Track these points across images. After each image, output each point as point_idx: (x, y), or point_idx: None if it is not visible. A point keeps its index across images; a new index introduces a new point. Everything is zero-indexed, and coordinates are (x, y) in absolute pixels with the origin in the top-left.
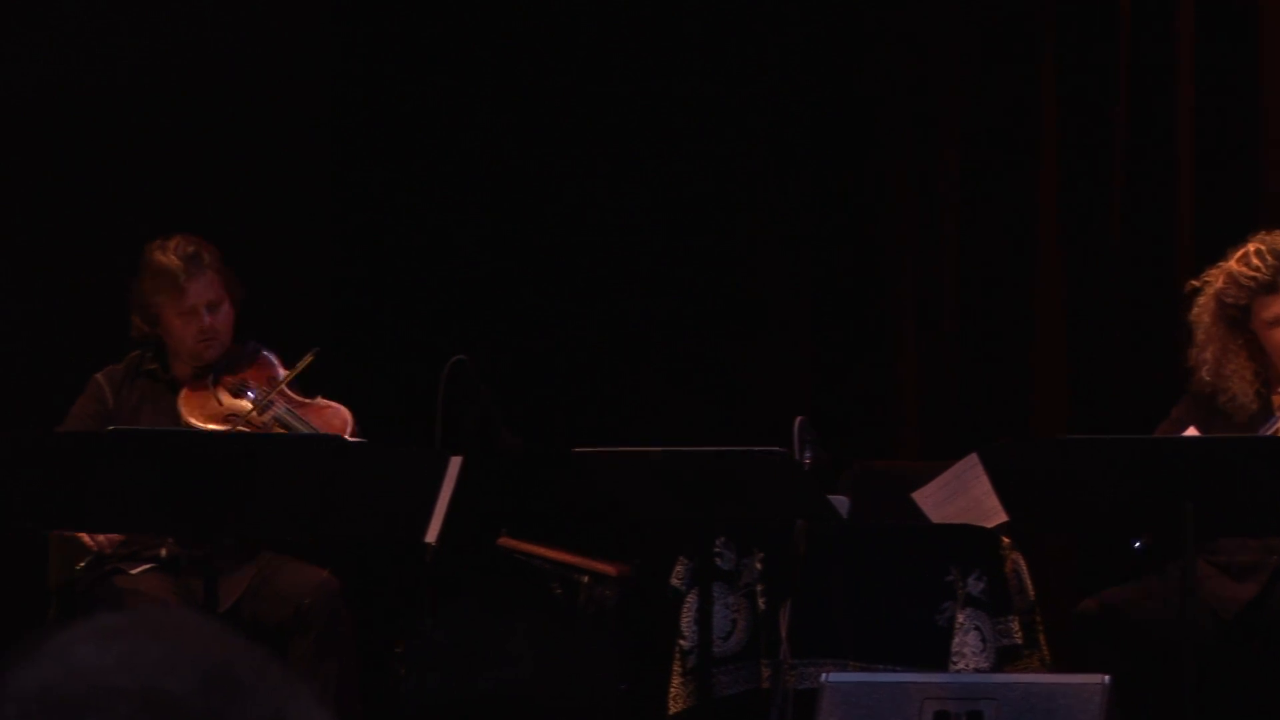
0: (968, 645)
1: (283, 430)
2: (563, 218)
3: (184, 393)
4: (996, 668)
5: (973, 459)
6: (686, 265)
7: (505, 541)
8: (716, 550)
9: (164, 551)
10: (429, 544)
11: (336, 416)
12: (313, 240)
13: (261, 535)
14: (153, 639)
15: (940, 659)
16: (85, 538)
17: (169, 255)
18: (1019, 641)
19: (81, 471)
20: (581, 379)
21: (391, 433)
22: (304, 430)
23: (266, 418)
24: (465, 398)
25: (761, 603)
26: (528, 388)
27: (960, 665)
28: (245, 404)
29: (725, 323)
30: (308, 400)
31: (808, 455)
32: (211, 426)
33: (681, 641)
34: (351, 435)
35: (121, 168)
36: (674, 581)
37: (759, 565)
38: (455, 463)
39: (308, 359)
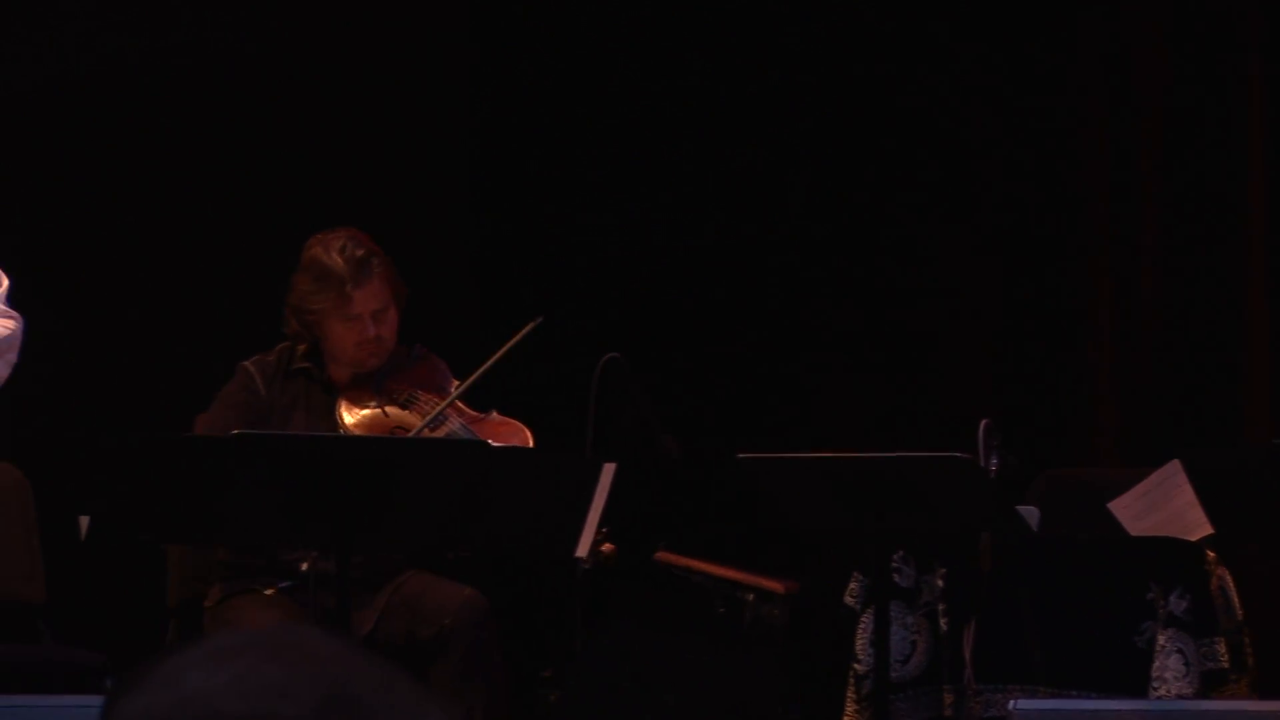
0: (1169, 669)
1: None
2: (725, 209)
3: (343, 399)
4: (1201, 694)
5: (1174, 466)
6: (859, 257)
7: (663, 556)
8: (894, 565)
9: (305, 566)
10: (580, 559)
11: (515, 435)
12: (457, 234)
13: (402, 549)
14: (268, 661)
15: (1139, 684)
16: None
17: (335, 256)
18: (1225, 665)
19: (206, 479)
20: (746, 378)
21: (539, 437)
22: None
23: (439, 434)
24: (619, 399)
25: (943, 623)
26: (687, 388)
27: (1161, 691)
28: (413, 417)
29: (904, 318)
30: (482, 415)
31: (994, 461)
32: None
33: (856, 665)
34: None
35: (260, 160)
36: (847, 600)
37: (940, 582)
38: (608, 470)
39: (529, 326)
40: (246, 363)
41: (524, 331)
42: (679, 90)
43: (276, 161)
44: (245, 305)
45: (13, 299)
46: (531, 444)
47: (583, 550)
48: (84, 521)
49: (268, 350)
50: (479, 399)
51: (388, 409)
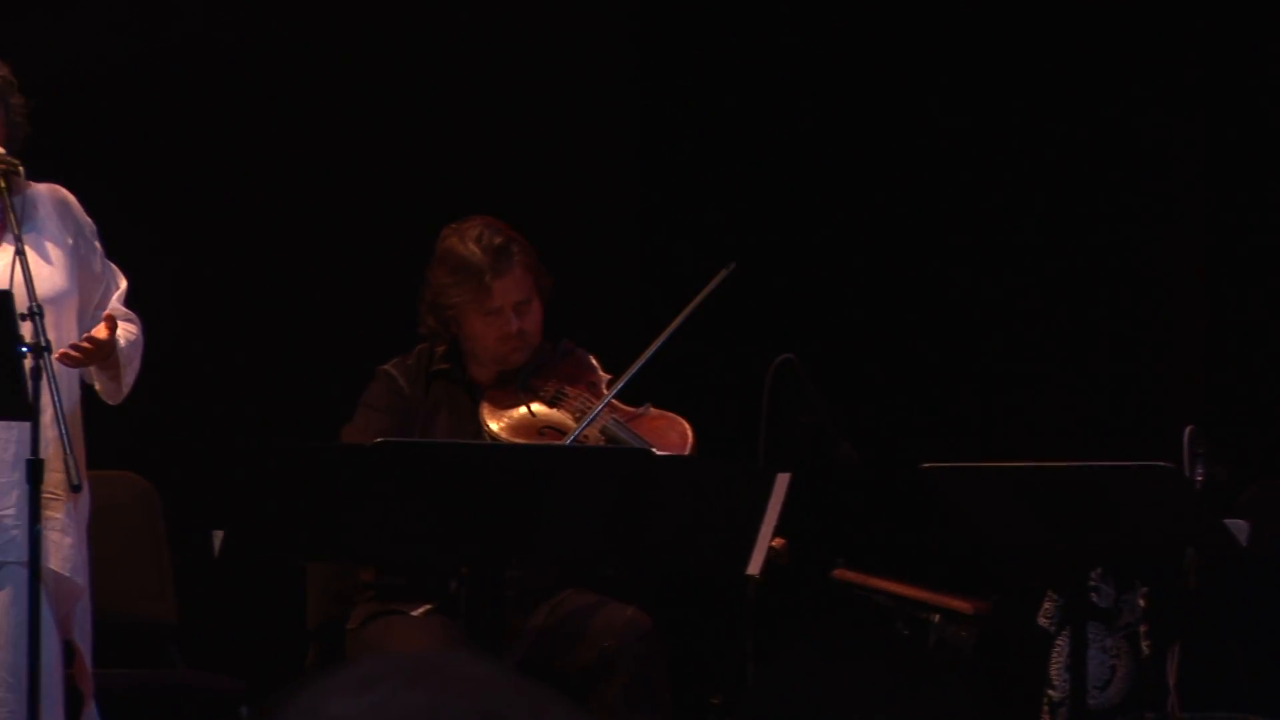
0: None
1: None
2: (908, 205)
3: (487, 401)
4: None
5: None
6: (1054, 256)
7: (842, 573)
8: (1091, 584)
9: (454, 585)
10: (752, 577)
11: (673, 429)
12: (619, 223)
13: (559, 565)
14: (414, 687)
15: None
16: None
17: (471, 246)
18: None
19: (348, 491)
20: (931, 381)
21: (706, 446)
22: (640, 444)
23: (591, 432)
24: (794, 404)
25: (1145, 646)
26: (867, 391)
27: None
28: (563, 415)
29: (1101, 319)
30: (637, 410)
31: (1200, 471)
32: (521, 441)
33: (1050, 692)
34: (691, 452)
35: (405, 152)
36: (1041, 621)
37: (1142, 602)
38: (782, 480)
39: (723, 273)
40: (386, 366)
41: (717, 279)
42: (858, 81)
43: (422, 154)
44: (383, 306)
45: (132, 300)
46: (691, 438)
47: (754, 568)
48: (217, 537)
49: (406, 353)
50: (634, 395)
51: (534, 408)
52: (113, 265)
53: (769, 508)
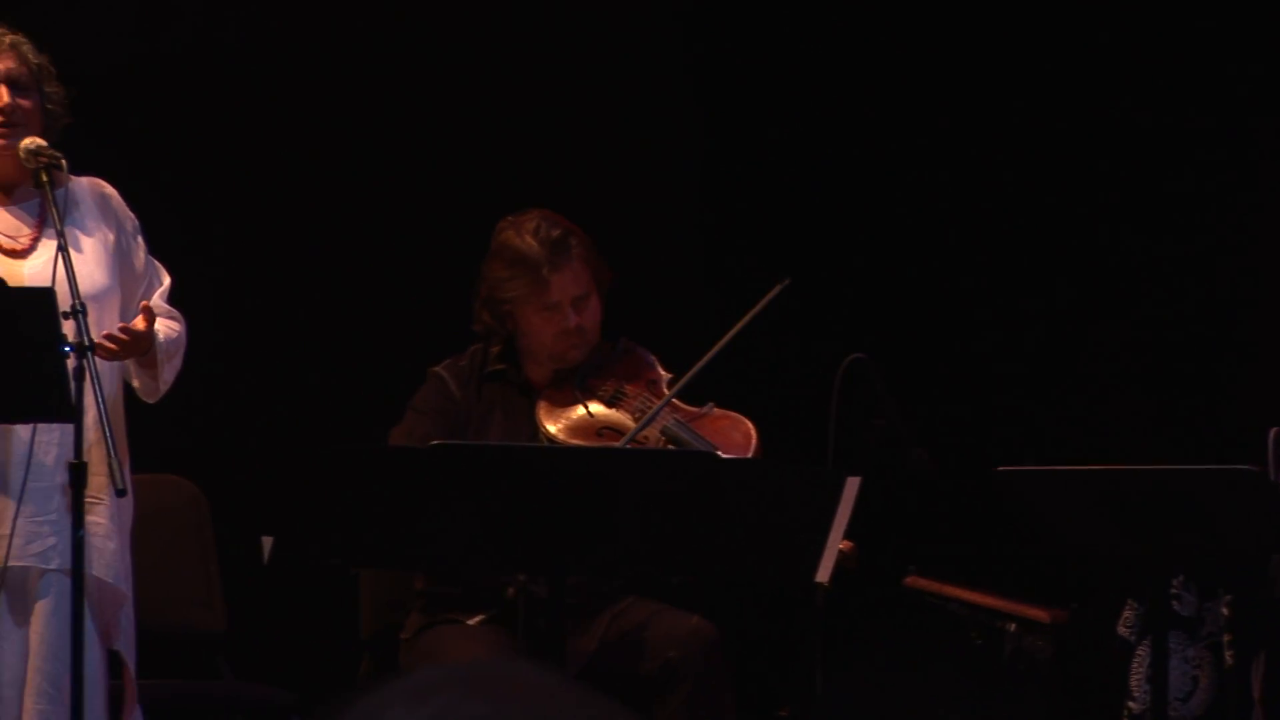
0: None
1: (671, 447)
2: (984, 200)
3: (544, 401)
4: None
5: None
6: (1137, 254)
7: (914, 581)
8: (1173, 592)
9: (511, 592)
10: (821, 585)
11: (737, 429)
12: (680, 217)
13: (621, 573)
14: (471, 698)
15: None
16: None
17: (528, 239)
18: None
19: (402, 495)
20: (1006, 381)
21: (775, 447)
22: (699, 446)
23: (651, 433)
24: (865, 405)
25: (1229, 656)
26: (941, 392)
27: None
28: (622, 415)
29: (1184, 319)
30: (699, 409)
31: None
32: (578, 443)
33: (1130, 704)
34: (755, 453)
35: (462, 147)
36: (1121, 630)
37: (1226, 610)
38: (853, 485)
39: (776, 289)
40: (438, 368)
41: (770, 295)
42: (928, 78)
43: (477, 148)
44: (437, 304)
45: (177, 299)
46: (755, 439)
47: (823, 575)
48: (267, 543)
49: (459, 354)
50: (698, 395)
51: (592, 408)
52: (156, 262)
53: (838, 513)
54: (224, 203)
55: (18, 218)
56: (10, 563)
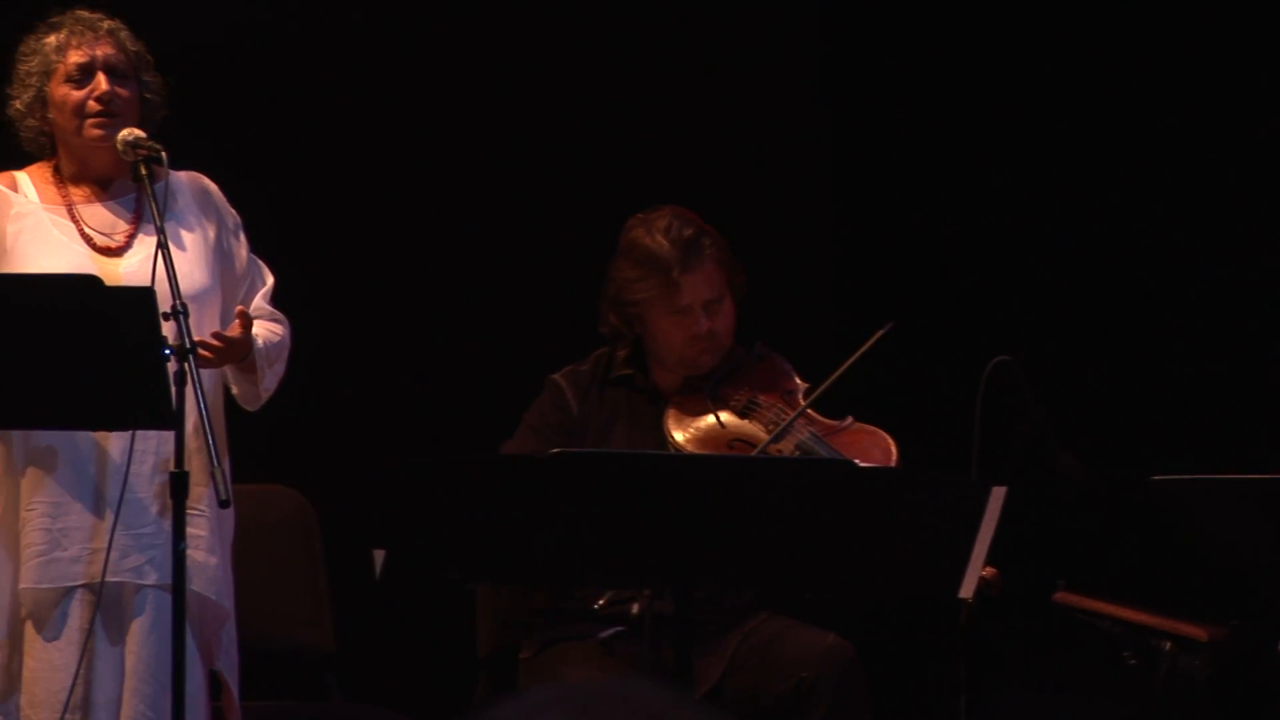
0: None
1: None
2: (1137, 195)
3: (672, 409)
4: None
5: None
6: None
7: (1063, 597)
8: None
9: (636, 609)
10: (964, 601)
11: (876, 445)
12: (813, 214)
13: (752, 588)
14: (581, 717)
15: None
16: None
17: (659, 238)
18: None
19: (520, 507)
20: (1162, 385)
21: (913, 454)
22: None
23: (786, 446)
24: (1011, 410)
25: None
26: (1090, 396)
27: None
28: (755, 427)
29: None
30: (838, 424)
31: None
32: (708, 454)
33: None
34: (895, 462)
35: (588, 146)
36: None
37: None
38: (998, 494)
39: (877, 335)
40: (556, 376)
41: (874, 338)
42: (1075, 70)
43: (602, 142)
44: (559, 306)
45: (281, 300)
46: (896, 456)
47: (967, 590)
48: (379, 556)
49: (581, 359)
50: (834, 406)
51: (724, 418)
52: (259, 261)
53: (983, 524)
54: (330, 196)
55: (114, 213)
56: (106, 578)
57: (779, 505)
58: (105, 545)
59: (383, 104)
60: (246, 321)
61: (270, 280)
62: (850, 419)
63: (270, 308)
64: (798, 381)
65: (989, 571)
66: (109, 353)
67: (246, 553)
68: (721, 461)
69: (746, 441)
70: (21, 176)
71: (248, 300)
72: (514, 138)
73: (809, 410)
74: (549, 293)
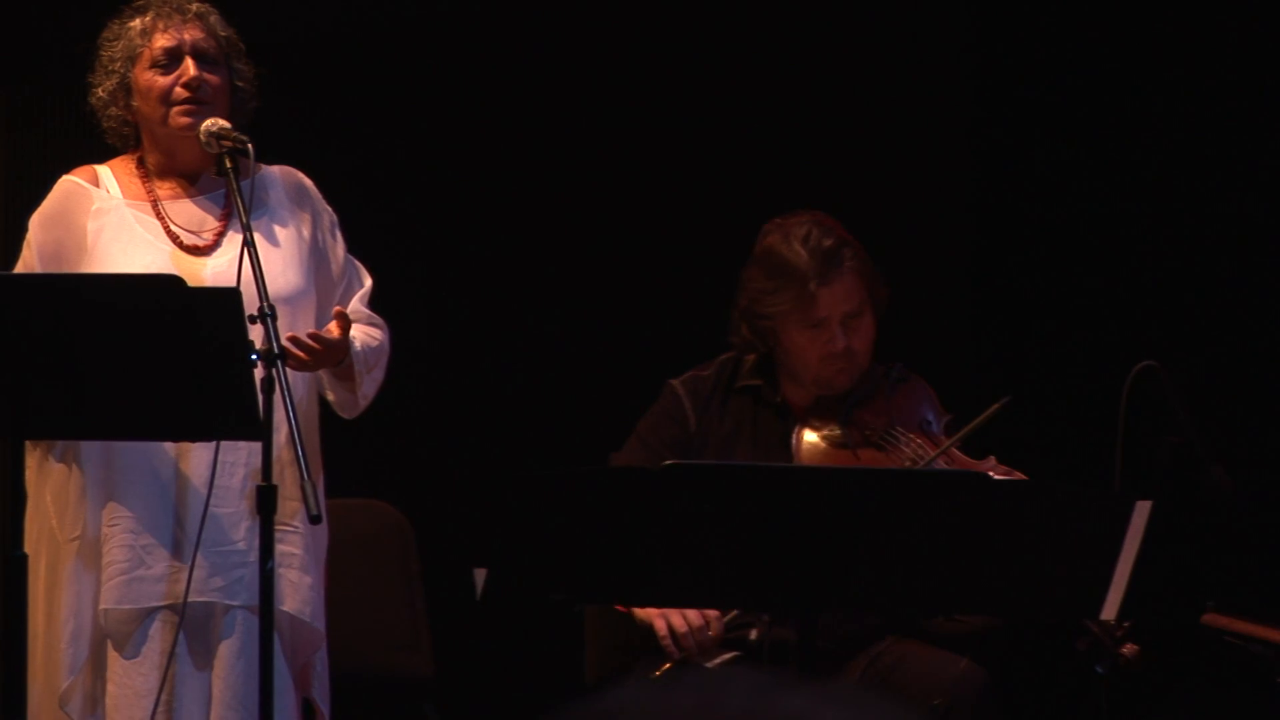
0: None
1: None
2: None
3: (802, 429)
4: None
5: None
6: None
7: (1212, 618)
8: None
9: (755, 634)
10: (1107, 623)
11: None
12: (953, 213)
13: (879, 612)
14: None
15: None
16: (656, 621)
17: (796, 247)
18: None
19: (631, 523)
20: None
21: (1055, 466)
22: None
23: None
24: (1156, 419)
25: None
26: (1242, 402)
27: None
28: (890, 460)
29: None
30: (976, 463)
31: None
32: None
33: None
34: None
35: (719, 147)
36: None
37: None
38: (1143, 509)
39: (993, 409)
40: (675, 381)
41: (988, 413)
42: (1224, 72)
43: (737, 144)
44: (680, 311)
45: (379, 304)
46: None
47: (1109, 612)
48: (480, 575)
49: (704, 364)
50: (974, 444)
51: (859, 450)
52: (356, 262)
53: (1127, 541)
54: (431, 195)
55: (203, 210)
56: (191, 598)
57: (908, 521)
58: (190, 563)
59: (495, 95)
60: (345, 322)
61: (368, 282)
62: (992, 459)
63: (369, 311)
64: (940, 410)
65: (1131, 649)
66: (192, 358)
67: (339, 572)
68: (845, 475)
69: None
70: (103, 170)
71: (344, 303)
72: (639, 133)
73: (954, 448)
74: (670, 293)
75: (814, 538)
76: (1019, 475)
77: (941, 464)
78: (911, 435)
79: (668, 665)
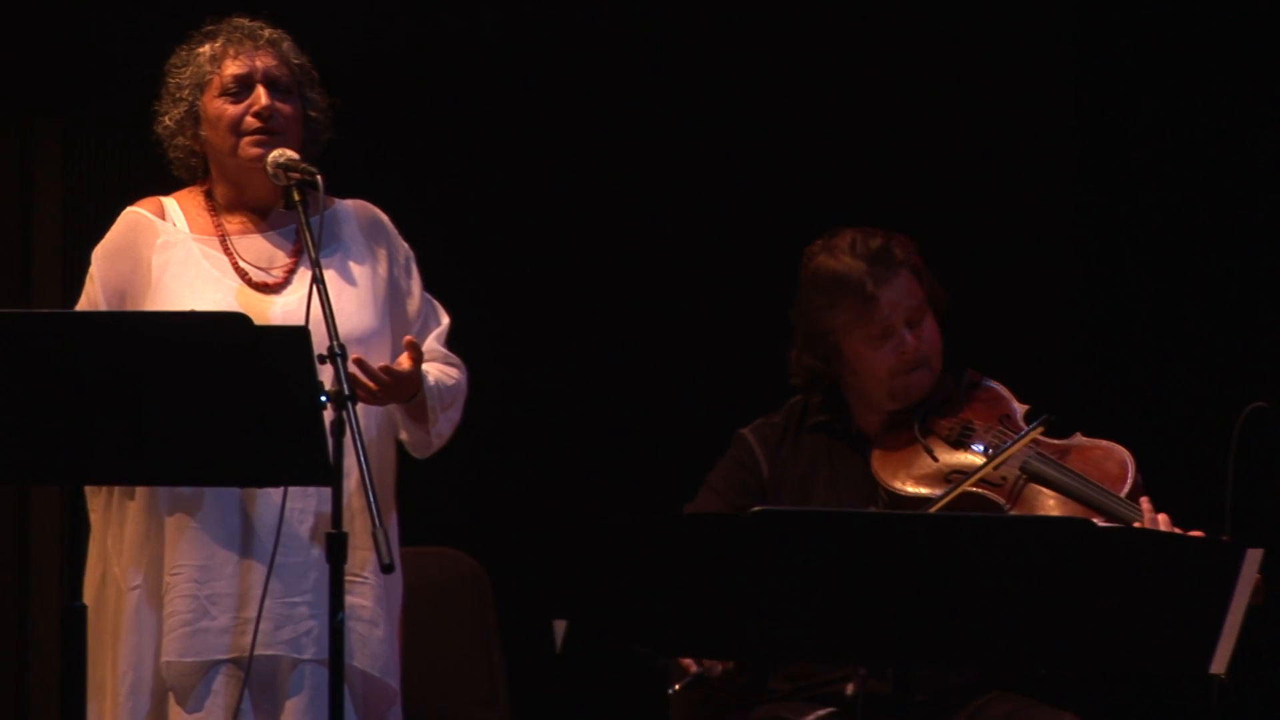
0: None
1: (1041, 487)
2: None
3: (878, 451)
4: None
5: None
6: None
7: None
8: None
9: (850, 689)
10: (1216, 677)
11: (1110, 459)
12: (1056, 247)
13: (980, 664)
14: None
15: None
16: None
17: (844, 258)
18: None
19: (714, 572)
20: None
21: (1161, 510)
22: (1068, 482)
23: (1009, 471)
24: (1268, 462)
25: None
26: None
27: None
28: (972, 456)
29: None
30: (1064, 442)
31: None
32: (924, 492)
33: None
34: (1132, 482)
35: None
36: None
37: None
38: (1254, 558)
39: (1037, 430)
40: (745, 430)
41: (1031, 432)
42: None
43: (827, 166)
44: (753, 356)
45: (456, 344)
46: (1133, 469)
47: (1219, 665)
48: (560, 627)
49: (774, 411)
50: (1059, 427)
51: (936, 450)
52: (434, 300)
53: (1237, 591)
54: (510, 234)
55: (273, 245)
56: (257, 651)
57: (1008, 568)
58: (256, 615)
59: (575, 134)
60: (416, 354)
61: (446, 321)
62: (1078, 434)
63: (445, 350)
64: (1016, 405)
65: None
66: (259, 400)
67: (413, 623)
68: (942, 521)
69: (964, 472)
70: (169, 202)
71: (420, 342)
72: (721, 182)
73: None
74: (744, 342)
75: (910, 585)
76: (1111, 445)
77: (1025, 447)
78: (990, 426)
79: (679, 685)
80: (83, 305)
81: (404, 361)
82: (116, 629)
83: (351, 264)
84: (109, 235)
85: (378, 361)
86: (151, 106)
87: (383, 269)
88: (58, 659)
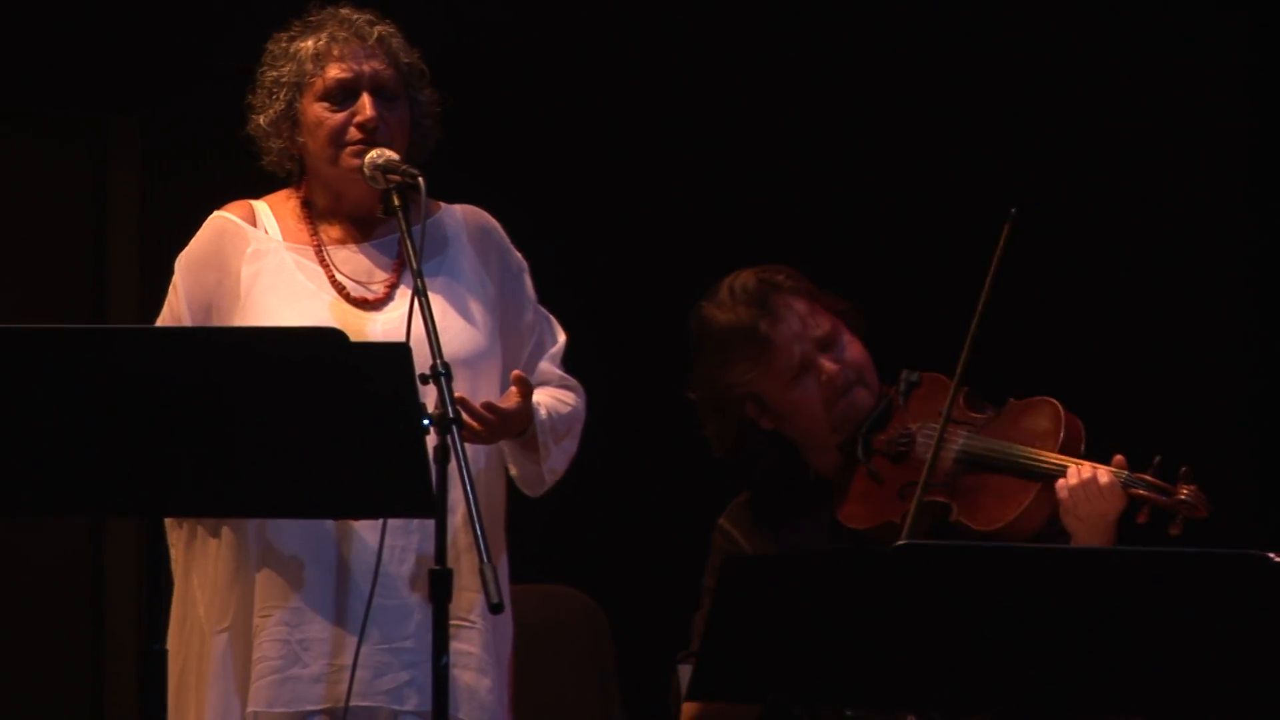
0: None
1: (977, 474)
2: None
3: (838, 494)
4: None
5: None
6: None
7: None
8: None
9: None
10: None
11: (1040, 416)
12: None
13: (1144, 714)
14: None
15: None
16: None
17: (727, 310)
18: None
19: (853, 612)
20: None
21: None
22: (998, 456)
23: (945, 463)
24: None
25: None
26: None
27: None
28: (912, 466)
29: None
30: (993, 413)
31: None
32: (885, 522)
33: None
34: (1066, 432)
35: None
36: None
37: None
38: None
39: (951, 409)
40: (721, 520)
41: (946, 416)
42: None
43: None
44: None
45: (571, 363)
46: (1064, 416)
47: None
48: (684, 672)
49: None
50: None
51: (879, 472)
52: (549, 316)
53: None
54: (629, 241)
55: (373, 259)
56: (353, 702)
57: (1168, 609)
58: (352, 662)
59: (693, 137)
60: (525, 388)
61: (562, 339)
62: (1009, 400)
63: (560, 372)
64: (949, 385)
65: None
66: (356, 424)
67: (525, 666)
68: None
69: (914, 484)
70: (261, 207)
71: (532, 363)
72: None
73: (958, 413)
74: None
75: (1070, 630)
76: (1038, 401)
77: (955, 432)
78: (923, 424)
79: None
80: (164, 320)
81: (512, 397)
82: (200, 675)
83: (458, 276)
84: (194, 243)
85: (486, 382)
86: (241, 101)
87: (494, 283)
88: (134, 708)
